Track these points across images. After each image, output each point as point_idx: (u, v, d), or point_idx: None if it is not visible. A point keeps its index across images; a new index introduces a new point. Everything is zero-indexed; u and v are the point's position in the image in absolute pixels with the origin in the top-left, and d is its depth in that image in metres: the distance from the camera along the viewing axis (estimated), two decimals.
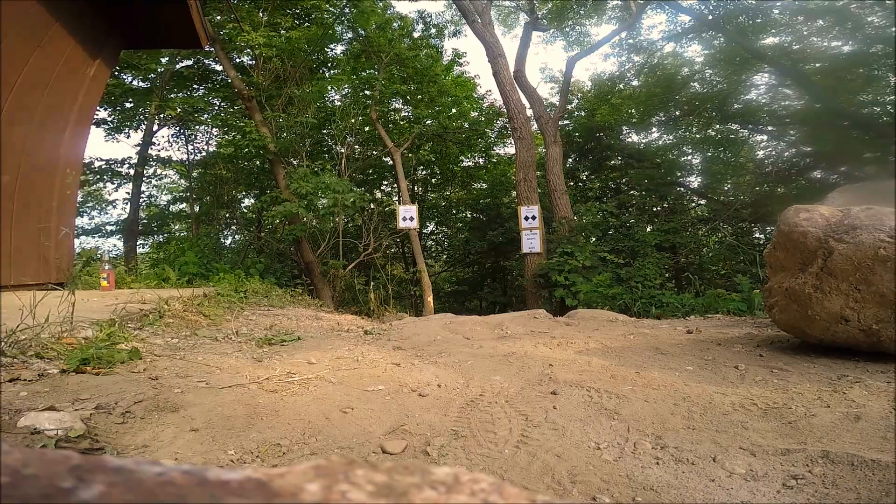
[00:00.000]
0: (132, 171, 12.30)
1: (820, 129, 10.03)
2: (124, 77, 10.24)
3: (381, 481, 0.14)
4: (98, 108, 5.84)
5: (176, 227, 13.38)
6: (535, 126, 9.59)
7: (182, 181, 13.55)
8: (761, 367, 1.98)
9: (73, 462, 0.17)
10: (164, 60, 10.58)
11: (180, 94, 10.70)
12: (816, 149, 10.64)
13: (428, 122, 11.29)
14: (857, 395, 1.51)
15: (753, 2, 10.16)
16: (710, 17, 10.53)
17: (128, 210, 12.60)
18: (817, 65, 9.75)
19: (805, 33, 10.00)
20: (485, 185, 13.27)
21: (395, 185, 11.27)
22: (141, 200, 12.94)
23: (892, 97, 9.20)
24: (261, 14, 8.65)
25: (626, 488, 1.02)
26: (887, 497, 0.86)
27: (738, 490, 0.98)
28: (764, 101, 11.46)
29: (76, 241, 5.52)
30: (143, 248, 12.86)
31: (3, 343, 1.58)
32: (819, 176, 11.09)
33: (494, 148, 13.13)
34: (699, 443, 1.23)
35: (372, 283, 7.39)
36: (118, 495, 0.15)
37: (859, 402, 1.44)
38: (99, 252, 7.29)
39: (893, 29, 8.20)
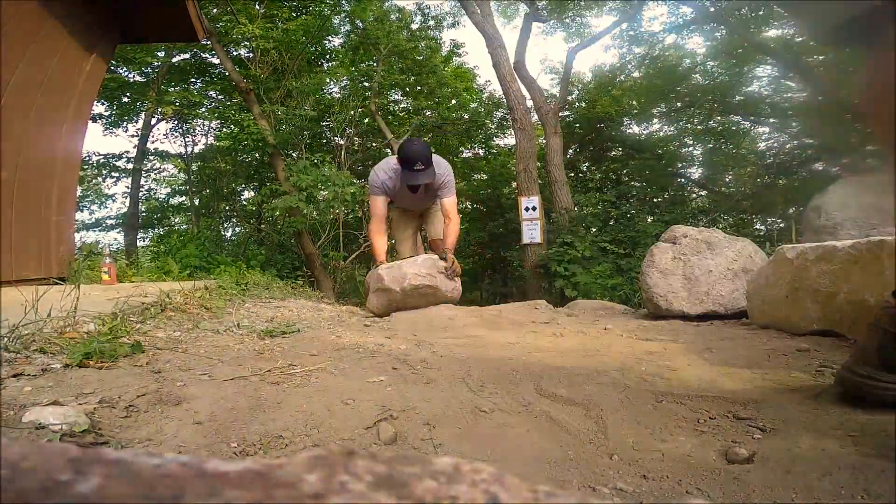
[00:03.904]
0: (130, 165, 12.28)
1: (822, 122, 9.98)
2: (121, 71, 10.18)
3: (381, 472, 0.14)
4: (95, 102, 5.82)
5: (176, 220, 13.39)
6: (535, 117, 9.55)
7: (181, 174, 13.54)
8: (765, 347, 1.98)
9: (71, 455, 0.17)
10: (160, 54, 10.52)
11: (177, 88, 10.65)
12: (818, 141, 10.60)
13: (427, 113, 11.26)
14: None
15: None
16: (712, 10, 10.44)
17: (127, 204, 12.59)
18: (820, 57, 9.68)
19: None
20: (485, 176, 13.25)
21: None
22: (140, 194, 12.94)
23: None
24: (257, 6, 8.59)
25: (628, 475, 1.02)
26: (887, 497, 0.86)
27: (743, 474, 0.99)
28: (766, 92, 11.40)
29: (77, 236, 5.53)
30: (144, 241, 12.88)
31: (5, 338, 1.58)
32: (820, 168, 11.06)
33: (494, 139, 13.11)
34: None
35: None
36: (116, 487, 0.14)
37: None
38: (100, 246, 7.30)
39: None
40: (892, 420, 1.11)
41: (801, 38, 9.75)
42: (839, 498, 0.86)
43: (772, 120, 11.77)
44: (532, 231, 7.80)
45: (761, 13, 10.00)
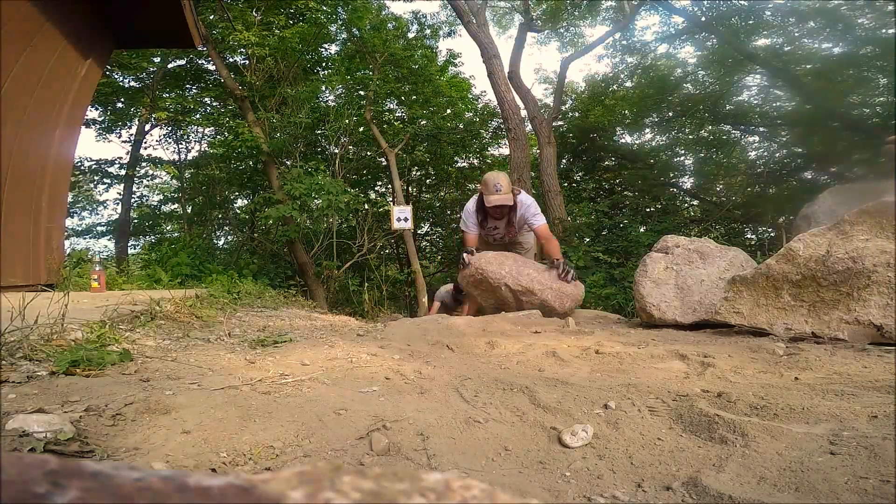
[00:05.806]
0: (123, 172, 12.21)
1: (810, 131, 10.13)
2: (116, 76, 10.16)
3: (368, 488, 0.13)
4: (89, 107, 5.79)
5: (168, 228, 13.29)
6: (529, 127, 9.60)
7: (174, 181, 13.46)
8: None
9: (49, 467, 0.16)
10: (156, 60, 10.51)
11: (172, 94, 10.63)
12: (807, 150, 10.74)
13: (422, 122, 11.27)
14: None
15: (746, 3, 10.25)
16: (703, 19, 10.60)
17: (119, 211, 12.50)
18: (808, 66, 9.85)
19: (796, 35, 10.10)
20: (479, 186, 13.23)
21: (390, 186, 11.25)
22: (132, 201, 12.84)
23: (882, 98, 9.31)
24: (254, 13, 8.61)
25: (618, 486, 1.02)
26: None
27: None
28: (756, 102, 11.56)
29: (66, 242, 5.47)
30: (135, 249, 12.77)
31: None
32: (810, 177, 11.20)
33: (489, 149, 13.13)
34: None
35: (366, 283, 7.37)
36: (94, 501, 0.14)
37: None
38: (90, 253, 7.23)
39: (891, 31, 8.27)
40: None
41: (789, 47, 9.92)
42: None
43: (762, 129, 11.93)
44: None
45: (751, 22, 10.16)
